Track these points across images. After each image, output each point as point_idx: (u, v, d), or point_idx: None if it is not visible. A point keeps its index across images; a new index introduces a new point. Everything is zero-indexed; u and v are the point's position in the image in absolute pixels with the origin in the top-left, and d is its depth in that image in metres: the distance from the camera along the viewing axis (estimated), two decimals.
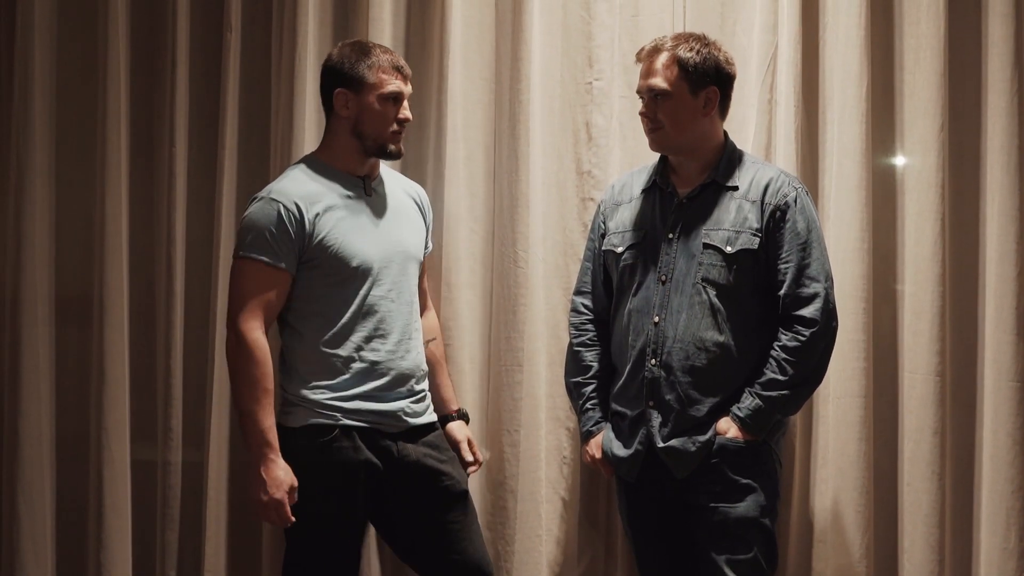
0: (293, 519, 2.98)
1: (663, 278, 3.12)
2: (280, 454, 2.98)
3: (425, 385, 3.23)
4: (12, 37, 3.59)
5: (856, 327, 3.41)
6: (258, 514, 3.01)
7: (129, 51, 3.62)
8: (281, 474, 2.97)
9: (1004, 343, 3.42)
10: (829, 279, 3.09)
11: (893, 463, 3.49)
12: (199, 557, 3.57)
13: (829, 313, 3.06)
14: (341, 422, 3.04)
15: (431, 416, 3.23)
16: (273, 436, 2.98)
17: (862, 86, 3.45)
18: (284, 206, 3.01)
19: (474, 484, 3.51)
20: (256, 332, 2.99)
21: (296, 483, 2.98)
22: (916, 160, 3.49)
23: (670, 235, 3.14)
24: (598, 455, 3.24)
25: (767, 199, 3.09)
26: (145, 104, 3.68)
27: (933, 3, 3.46)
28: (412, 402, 3.15)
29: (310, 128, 3.55)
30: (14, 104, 3.58)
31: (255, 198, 3.08)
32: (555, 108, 3.59)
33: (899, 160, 3.55)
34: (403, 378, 3.13)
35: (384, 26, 3.55)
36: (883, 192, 3.53)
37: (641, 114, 3.16)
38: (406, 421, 3.13)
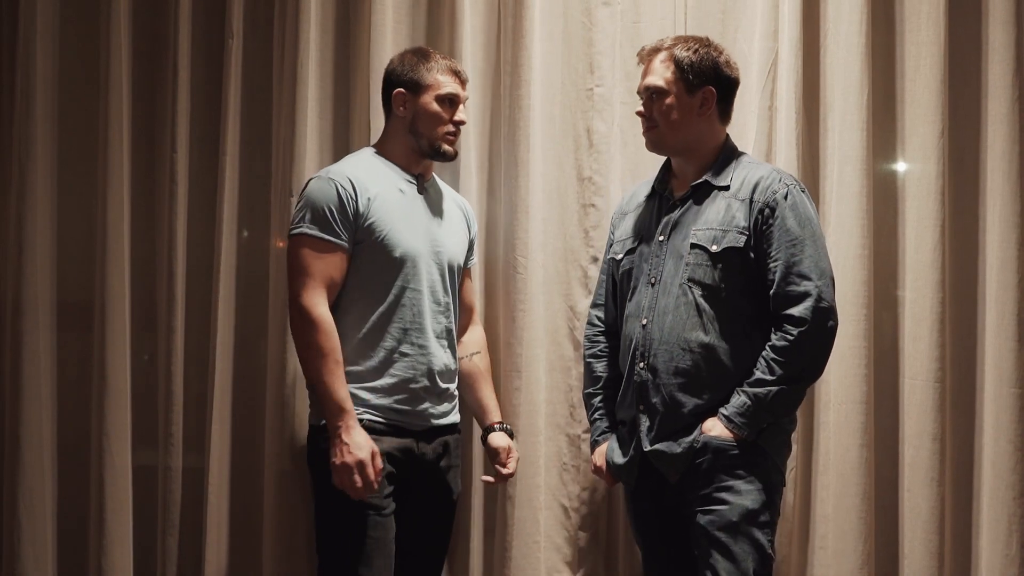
0: (376, 485, 3.00)
1: (652, 280, 3.11)
2: (358, 421, 3.01)
3: (452, 386, 3.25)
4: (15, 43, 3.59)
5: (857, 333, 3.41)
6: (341, 480, 2.99)
7: (131, 57, 3.62)
8: (362, 439, 2.99)
9: (1005, 349, 3.42)
10: (824, 277, 2.99)
11: (894, 469, 3.49)
12: (200, 563, 3.56)
13: (822, 312, 2.96)
14: (365, 417, 3.06)
15: (455, 417, 3.27)
16: (349, 404, 3.02)
17: (863, 93, 3.45)
18: (341, 185, 3.09)
19: (475, 490, 3.51)
20: (321, 307, 3.03)
21: (377, 449, 3.01)
22: (916, 166, 3.50)
23: (660, 237, 3.13)
24: (600, 463, 3.23)
25: (756, 196, 3.03)
26: (147, 110, 3.68)
27: (933, 10, 3.47)
28: (438, 401, 3.18)
29: (311, 134, 3.55)
30: (16, 110, 3.58)
31: (312, 178, 3.16)
32: (556, 114, 3.60)
33: (900, 166, 3.55)
34: (430, 374, 3.16)
35: (386, 32, 3.56)
36: (883, 198, 3.53)
37: (639, 113, 3.16)
38: (429, 421, 3.16)
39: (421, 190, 3.23)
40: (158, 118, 3.67)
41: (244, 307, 3.61)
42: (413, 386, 3.13)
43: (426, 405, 3.16)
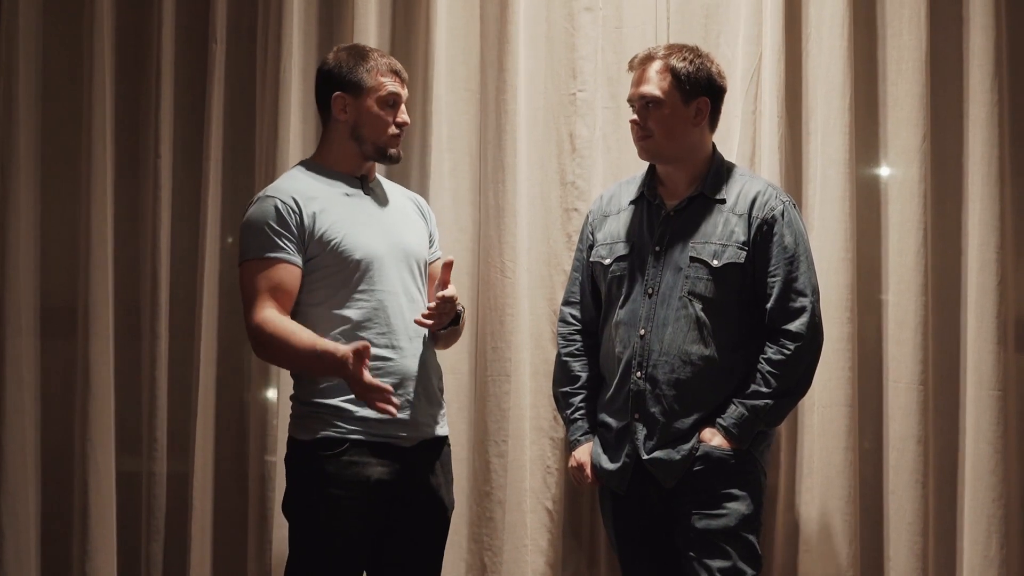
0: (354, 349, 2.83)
1: (650, 291, 3.13)
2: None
3: (440, 386, 3.13)
4: None
5: (841, 336, 3.43)
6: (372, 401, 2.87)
7: (114, 62, 3.62)
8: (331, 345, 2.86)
9: (985, 352, 3.45)
10: (816, 293, 3.10)
11: (878, 472, 3.51)
12: (184, 568, 3.56)
13: (815, 327, 3.07)
14: (351, 437, 2.96)
15: (444, 429, 3.14)
16: (323, 341, 2.86)
17: (845, 97, 3.47)
18: (281, 200, 2.97)
19: (461, 495, 3.50)
20: (267, 311, 2.91)
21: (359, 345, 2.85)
22: (899, 170, 3.52)
23: (657, 248, 3.14)
24: (584, 461, 3.23)
25: (754, 212, 3.09)
26: (130, 115, 3.67)
27: (915, 15, 3.49)
28: (428, 405, 3.06)
29: (295, 139, 3.55)
30: None
31: (251, 201, 3.04)
32: (539, 119, 3.60)
33: (882, 170, 3.57)
34: (412, 378, 3.03)
35: (369, 36, 3.56)
36: (866, 202, 3.55)
37: (632, 122, 3.15)
38: (420, 430, 3.04)
39: (367, 191, 3.12)
40: (141, 123, 3.66)
41: (228, 312, 3.60)
42: (400, 391, 2.98)
43: (415, 411, 3.03)
